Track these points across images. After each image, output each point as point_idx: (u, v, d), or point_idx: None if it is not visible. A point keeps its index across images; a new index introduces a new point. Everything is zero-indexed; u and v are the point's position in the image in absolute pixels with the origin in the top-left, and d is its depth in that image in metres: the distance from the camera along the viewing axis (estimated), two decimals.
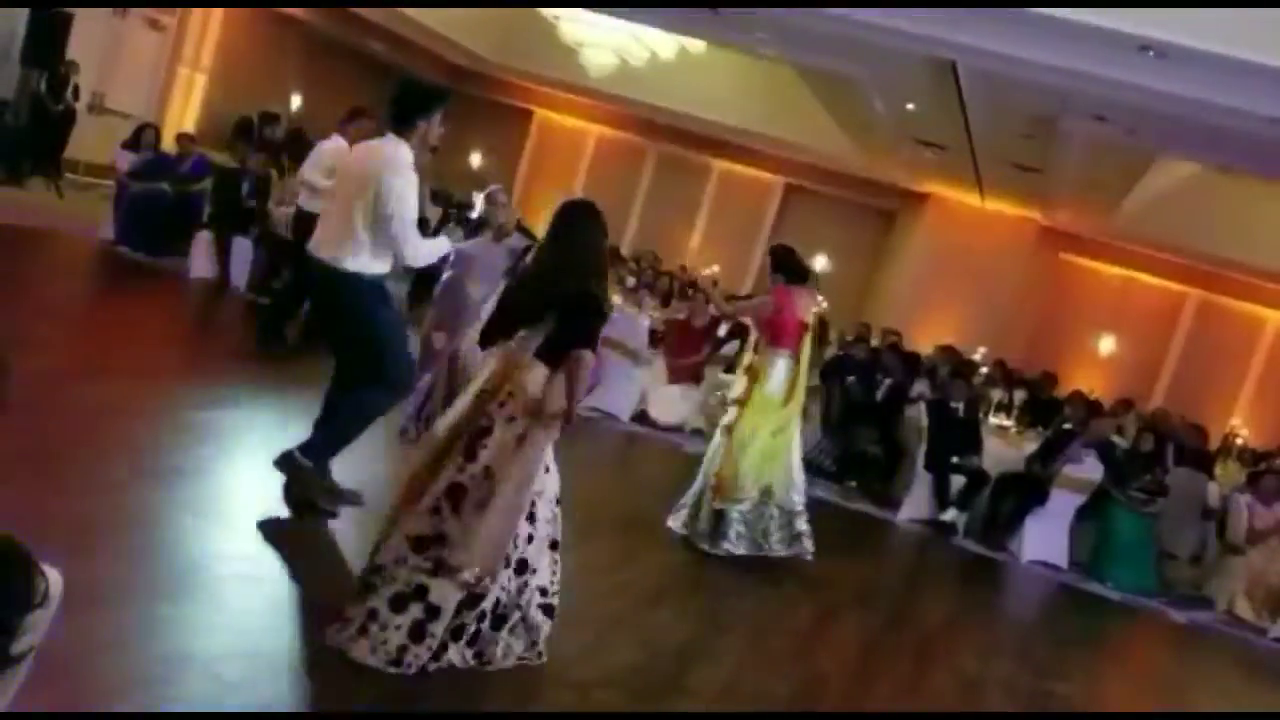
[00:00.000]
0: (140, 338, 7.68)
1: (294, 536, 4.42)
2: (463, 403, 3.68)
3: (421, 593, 3.43)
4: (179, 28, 14.45)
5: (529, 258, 4.19)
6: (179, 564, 3.85)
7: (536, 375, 3.60)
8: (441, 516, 3.49)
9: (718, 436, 6.23)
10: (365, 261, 4.48)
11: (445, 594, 3.44)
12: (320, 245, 4.57)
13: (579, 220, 3.79)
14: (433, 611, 3.43)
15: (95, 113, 13.24)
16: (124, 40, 13.81)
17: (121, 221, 10.02)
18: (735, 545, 5.93)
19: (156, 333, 8.12)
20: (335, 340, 4.79)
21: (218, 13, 14.84)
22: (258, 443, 5.31)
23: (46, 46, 11.70)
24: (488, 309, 5.87)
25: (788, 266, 6.26)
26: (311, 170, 7.92)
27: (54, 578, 1.46)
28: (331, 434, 4.63)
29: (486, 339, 3.81)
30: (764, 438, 6.03)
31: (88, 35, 12.64)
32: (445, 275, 6.27)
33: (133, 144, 10.80)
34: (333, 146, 7.80)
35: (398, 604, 3.43)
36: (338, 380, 4.74)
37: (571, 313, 3.63)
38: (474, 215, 6.34)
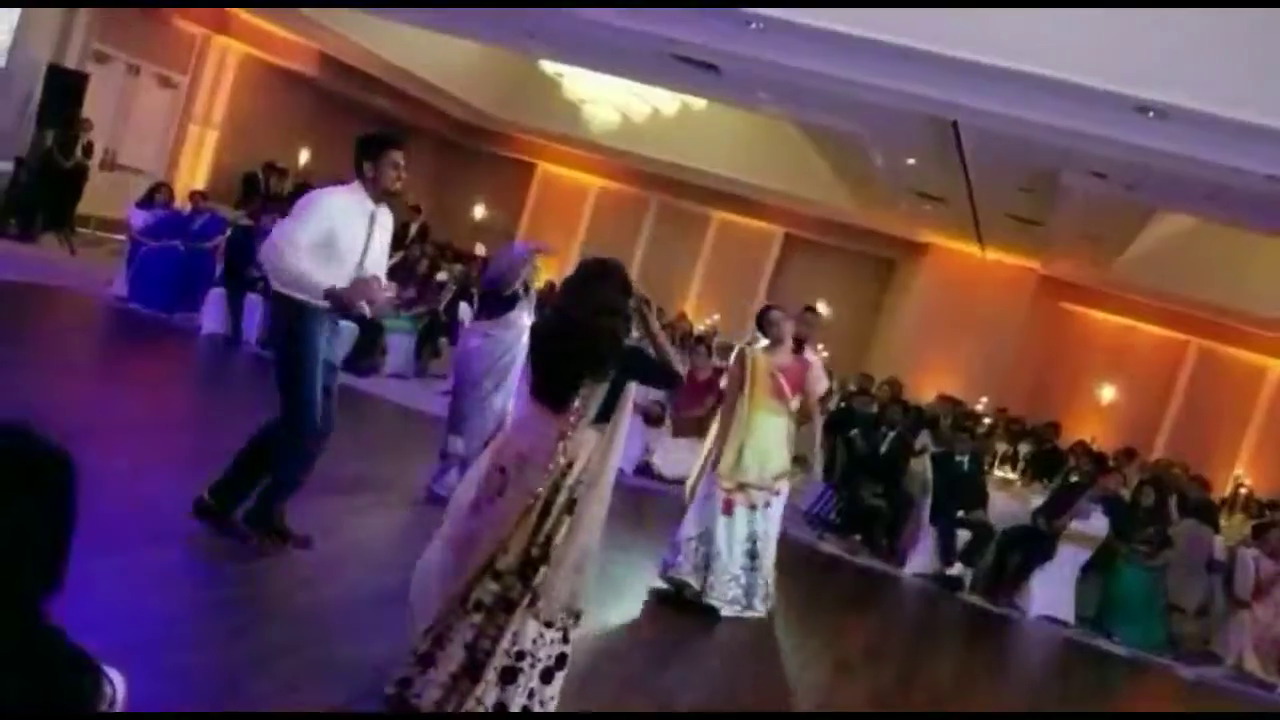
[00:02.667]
0: (157, 394, 7.74)
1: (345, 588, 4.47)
2: (533, 478, 3.60)
3: (563, 661, 3.58)
4: (190, 86, 14.69)
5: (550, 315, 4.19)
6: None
7: (589, 440, 3.63)
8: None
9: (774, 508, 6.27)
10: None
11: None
12: None
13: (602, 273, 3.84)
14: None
15: (107, 169, 13.42)
16: (136, 98, 14.05)
17: (134, 279, 10.14)
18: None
19: (173, 389, 8.20)
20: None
21: (229, 71, 15.08)
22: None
23: (62, 106, 11.89)
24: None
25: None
26: None
27: (118, 681, 1.52)
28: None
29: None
30: None
31: (102, 94, 12.86)
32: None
33: (146, 202, 10.95)
34: None
35: (547, 677, 3.56)
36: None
37: (632, 362, 3.73)
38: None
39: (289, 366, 4.66)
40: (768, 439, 6.14)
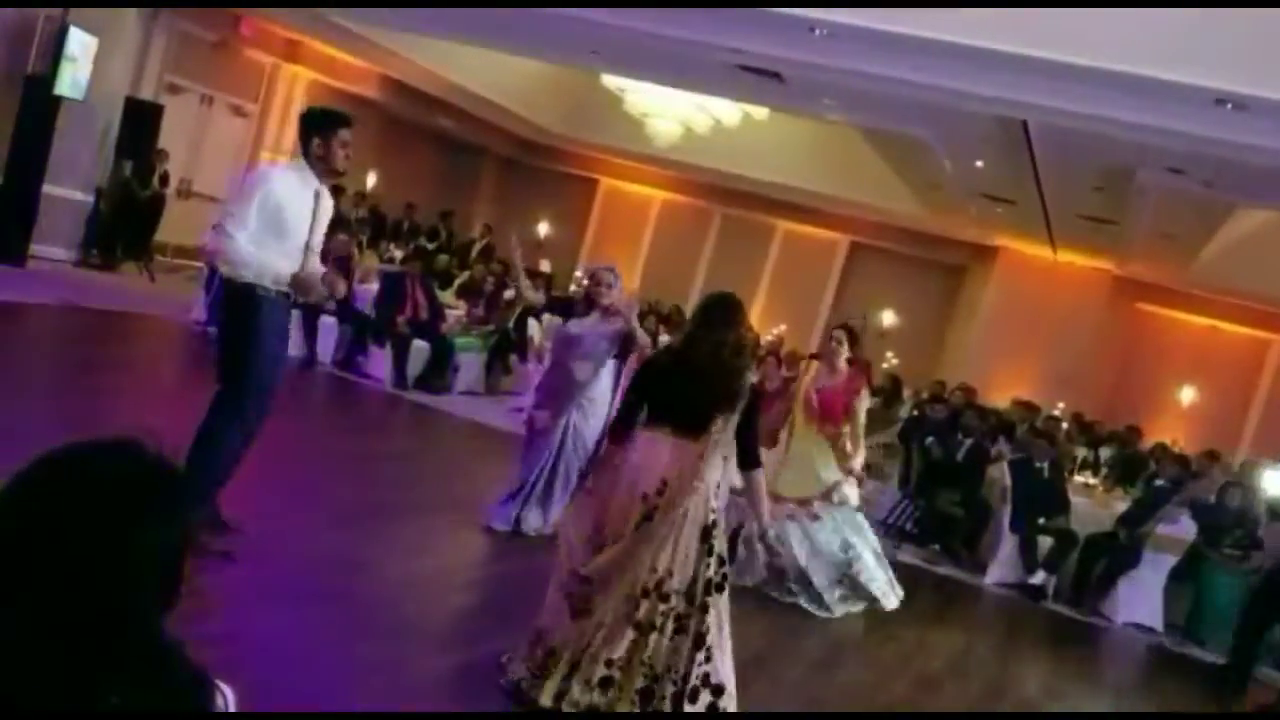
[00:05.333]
0: None
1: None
2: (686, 499, 3.76)
3: (706, 680, 3.77)
4: (261, 114, 15.02)
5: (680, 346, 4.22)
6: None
7: (719, 465, 3.84)
8: (706, 612, 3.77)
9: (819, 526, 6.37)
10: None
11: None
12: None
13: (731, 312, 4.06)
14: (720, 691, 3.79)
15: (183, 198, 13.76)
16: (210, 127, 14.39)
17: (212, 304, 10.34)
18: None
19: None
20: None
21: (297, 99, 15.38)
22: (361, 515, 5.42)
23: (139, 137, 12.21)
24: (598, 390, 6.00)
25: None
26: None
27: (230, 695, 1.54)
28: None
29: (625, 426, 4.00)
30: None
31: (177, 124, 13.20)
32: (551, 356, 6.40)
33: None
34: None
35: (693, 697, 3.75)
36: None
37: (749, 405, 3.92)
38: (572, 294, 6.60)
39: (238, 352, 4.53)
40: (800, 460, 6.38)
